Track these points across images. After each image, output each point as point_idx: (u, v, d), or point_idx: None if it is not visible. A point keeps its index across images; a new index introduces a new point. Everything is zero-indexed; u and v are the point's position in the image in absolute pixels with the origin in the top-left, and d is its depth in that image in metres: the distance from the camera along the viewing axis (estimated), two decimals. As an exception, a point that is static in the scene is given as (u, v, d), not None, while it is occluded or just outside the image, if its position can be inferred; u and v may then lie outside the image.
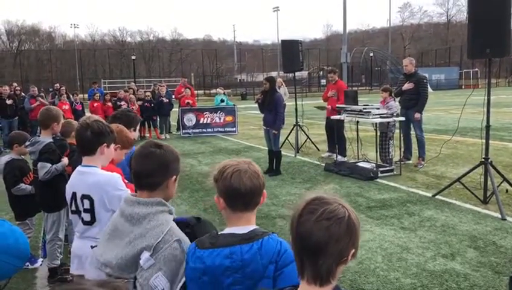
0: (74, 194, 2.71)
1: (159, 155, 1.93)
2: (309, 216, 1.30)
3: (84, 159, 2.75)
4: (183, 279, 1.81)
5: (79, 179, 2.69)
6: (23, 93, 15.14)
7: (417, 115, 8.84)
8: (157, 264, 1.77)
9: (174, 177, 1.99)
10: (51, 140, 4.34)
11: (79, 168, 2.75)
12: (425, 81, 9.20)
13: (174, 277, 1.79)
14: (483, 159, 6.39)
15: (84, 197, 2.65)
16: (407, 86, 8.96)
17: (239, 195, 1.73)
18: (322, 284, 1.31)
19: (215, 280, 1.70)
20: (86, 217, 2.66)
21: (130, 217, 1.89)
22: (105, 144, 2.72)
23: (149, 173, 1.92)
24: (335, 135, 9.52)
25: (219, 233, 1.79)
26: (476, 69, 51.01)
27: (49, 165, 4.17)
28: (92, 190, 2.62)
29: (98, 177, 2.64)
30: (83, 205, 2.66)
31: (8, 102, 13.54)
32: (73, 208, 2.74)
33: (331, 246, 1.28)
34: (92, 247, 2.55)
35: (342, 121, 9.28)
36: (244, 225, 1.76)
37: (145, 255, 1.78)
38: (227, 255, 1.69)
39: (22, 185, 4.73)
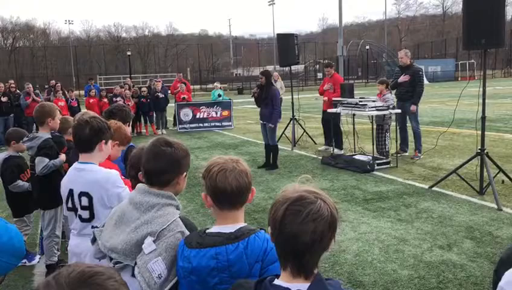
0: (71, 191, 2.70)
1: (170, 154, 1.94)
2: (293, 218, 1.30)
3: (81, 156, 2.74)
4: None
5: (77, 175, 2.68)
6: (18, 90, 15.06)
7: (413, 107, 8.85)
8: (158, 250, 1.79)
9: (185, 173, 2.01)
10: (49, 136, 4.33)
11: (76, 164, 2.73)
12: (421, 73, 9.21)
13: (172, 265, 1.81)
14: (479, 151, 6.41)
15: (82, 194, 2.64)
16: (402, 78, 8.96)
17: (224, 194, 1.73)
18: (306, 276, 1.33)
19: (202, 280, 1.72)
20: (84, 214, 2.66)
21: (139, 204, 1.91)
22: (103, 141, 2.71)
23: (161, 171, 1.93)
24: (331, 128, 9.53)
25: (207, 231, 1.79)
26: (472, 61, 51.02)
27: (47, 160, 4.17)
28: (91, 187, 2.62)
29: (97, 174, 2.63)
30: (80, 203, 2.66)
31: (3, 99, 13.48)
32: (70, 205, 2.73)
33: (316, 245, 1.30)
34: (93, 227, 2.56)
35: (338, 114, 9.29)
36: (231, 223, 1.77)
37: (148, 240, 1.81)
38: (212, 255, 1.70)
39: (20, 182, 4.73)
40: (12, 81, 15.37)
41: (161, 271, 1.78)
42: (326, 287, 1.31)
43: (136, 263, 1.82)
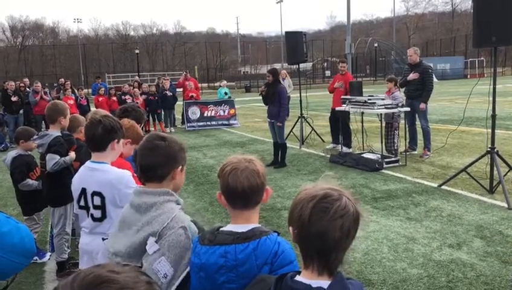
0: (84, 190, 2.71)
1: (164, 147, 1.95)
2: (321, 215, 1.31)
3: (94, 155, 2.74)
4: (189, 267, 1.83)
5: (89, 175, 2.69)
6: (28, 88, 15.19)
7: (422, 106, 8.79)
8: (161, 250, 1.80)
9: (180, 167, 2.01)
10: (59, 134, 4.36)
11: (89, 163, 2.74)
12: (430, 71, 9.15)
13: (178, 263, 1.81)
14: (489, 149, 6.36)
15: (95, 193, 2.65)
16: (412, 76, 8.90)
17: (236, 194, 1.73)
18: (331, 274, 1.34)
19: (210, 277, 1.72)
20: (96, 213, 2.67)
21: (139, 206, 1.93)
22: (116, 140, 2.72)
23: (155, 165, 1.94)
24: (340, 126, 9.50)
25: (220, 229, 1.79)
26: (482, 58, 50.62)
27: (57, 157, 4.20)
28: (104, 187, 2.63)
29: (110, 175, 2.64)
30: (93, 202, 2.67)
31: (14, 99, 13.60)
32: (82, 203, 2.74)
33: (343, 241, 1.32)
34: (104, 239, 2.58)
35: (347, 113, 9.26)
36: (244, 223, 1.77)
37: (151, 240, 1.82)
38: (222, 253, 1.70)
39: (29, 181, 4.77)
40: (26, 79, 15.49)
41: (166, 271, 1.79)
42: (347, 286, 1.32)
43: (142, 265, 1.83)
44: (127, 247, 1.89)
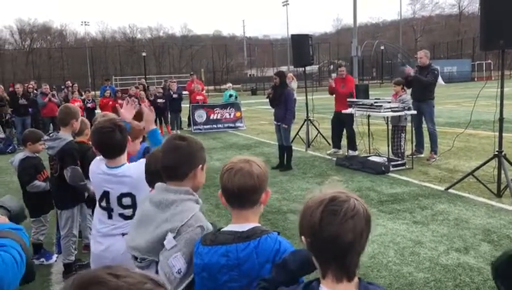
0: (106, 193, 2.74)
1: (185, 147, 2.01)
2: (331, 218, 1.29)
3: (109, 161, 2.75)
4: None
5: (114, 180, 2.71)
6: (35, 91, 15.29)
7: (408, 69, 9.01)
8: (178, 245, 1.84)
9: (201, 166, 2.06)
10: (71, 138, 4.34)
11: (107, 170, 2.74)
12: (436, 72, 9.10)
13: (192, 260, 1.84)
14: (496, 152, 6.33)
15: (123, 195, 2.69)
16: (408, 70, 9.06)
17: (230, 193, 1.78)
18: (349, 278, 1.33)
19: (213, 277, 1.74)
20: (127, 212, 2.72)
21: (159, 202, 1.97)
22: (129, 138, 2.80)
23: (177, 164, 2.00)
24: (344, 129, 9.48)
25: (221, 230, 1.82)
26: (489, 61, 50.26)
27: (80, 172, 4.16)
28: (133, 188, 2.67)
29: (135, 174, 2.64)
30: (121, 203, 2.71)
31: (21, 102, 13.69)
32: (103, 204, 2.77)
33: (357, 243, 1.30)
34: (123, 235, 2.62)
35: (351, 116, 9.24)
36: (243, 223, 1.79)
37: (169, 236, 1.86)
38: (223, 253, 1.72)
39: (36, 182, 4.78)
40: (33, 82, 15.60)
41: (181, 266, 1.83)
42: None
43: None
44: (147, 242, 1.93)
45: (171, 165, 2.01)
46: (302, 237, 1.37)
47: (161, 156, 2.05)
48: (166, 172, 2.04)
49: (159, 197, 1.99)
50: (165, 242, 1.86)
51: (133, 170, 2.68)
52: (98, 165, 2.82)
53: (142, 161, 2.71)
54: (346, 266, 1.31)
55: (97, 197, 2.83)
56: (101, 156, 2.82)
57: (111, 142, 2.68)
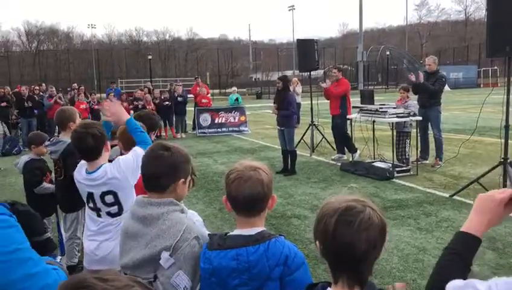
0: (91, 194, 2.82)
1: (168, 158, 1.92)
2: (346, 228, 1.29)
3: (89, 165, 2.84)
4: None
5: (94, 182, 2.80)
6: (41, 93, 15.38)
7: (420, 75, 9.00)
8: (177, 263, 1.79)
9: (183, 179, 1.96)
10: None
11: (86, 175, 2.83)
12: (444, 79, 9.09)
13: (195, 273, 1.82)
14: (502, 159, 6.30)
15: (104, 194, 2.76)
16: (412, 77, 9.20)
17: (238, 202, 1.75)
18: (362, 286, 1.34)
19: (223, 281, 1.72)
20: (113, 209, 2.78)
21: (143, 218, 1.89)
22: (106, 143, 2.86)
23: (158, 175, 1.91)
24: (344, 134, 9.54)
25: (228, 234, 1.80)
26: (495, 68, 50.06)
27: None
28: (112, 186, 2.74)
29: (108, 172, 2.75)
30: (104, 201, 2.78)
31: (26, 104, 13.78)
32: (91, 205, 2.87)
33: (371, 253, 1.31)
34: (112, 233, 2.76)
35: (345, 120, 9.33)
36: (250, 228, 1.78)
37: (165, 255, 1.79)
38: (233, 256, 1.71)
39: (45, 184, 4.78)
40: (37, 87, 15.69)
41: (185, 284, 1.79)
42: None
43: (156, 278, 1.81)
44: (134, 260, 1.86)
45: (151, 175, 1.93)
46: (317, 242, 1.38)
47: (143, 164, 1.98)
48: (146, 181, 1.96)
49: (142, 213, 1.89)
50: (161, 261, 1.79)
51: (109, 170, 2.75)
52: (79, 170, 2.92)
53: (117, 160, 2.79)
54: (359, 275, 1.32)
55: (84, 200, 2.91)
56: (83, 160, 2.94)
57: (83, 146, 2.77)
